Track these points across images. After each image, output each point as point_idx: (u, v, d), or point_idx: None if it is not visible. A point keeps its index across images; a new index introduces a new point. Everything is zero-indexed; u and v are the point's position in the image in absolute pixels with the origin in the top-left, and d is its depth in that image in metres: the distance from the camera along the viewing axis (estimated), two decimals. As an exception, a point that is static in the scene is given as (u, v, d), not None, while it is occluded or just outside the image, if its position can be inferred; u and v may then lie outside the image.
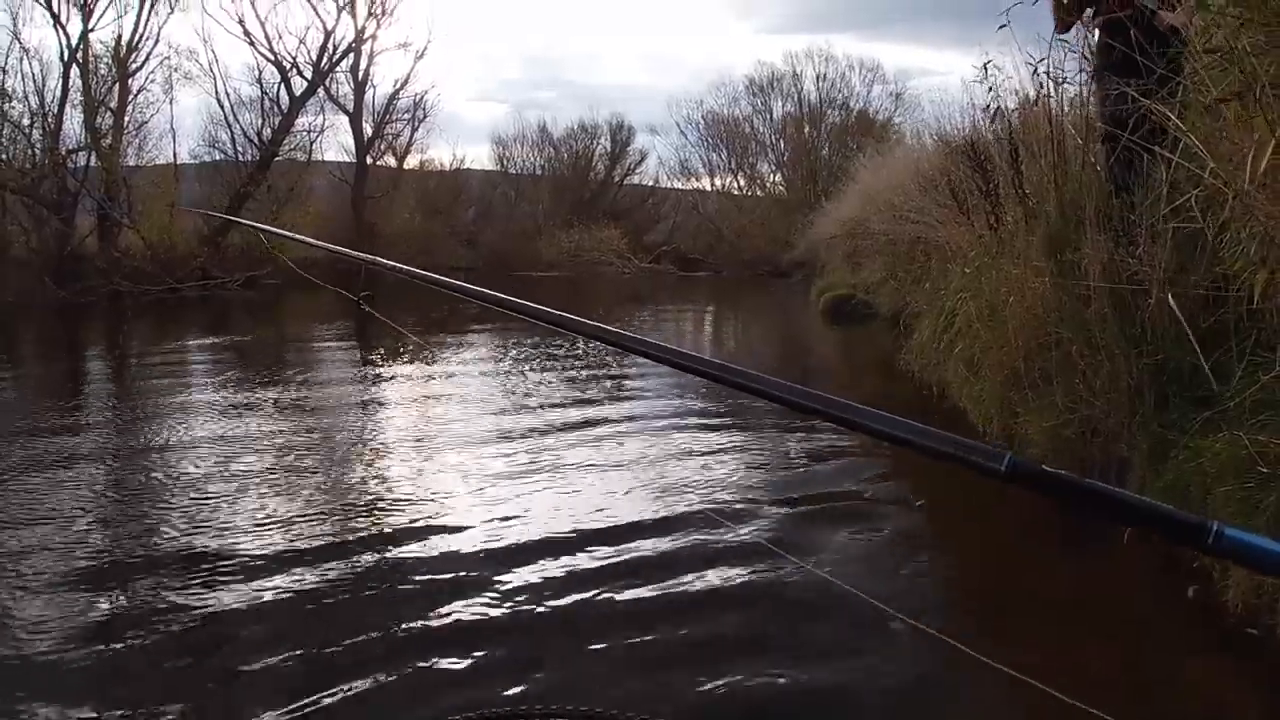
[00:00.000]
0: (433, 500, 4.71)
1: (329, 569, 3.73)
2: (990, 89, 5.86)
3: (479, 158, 41.96)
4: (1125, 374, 4.06)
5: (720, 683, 2.79)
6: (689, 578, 3.66)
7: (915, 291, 9.32)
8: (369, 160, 29.28)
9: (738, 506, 4.66)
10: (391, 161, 30.82)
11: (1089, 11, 4.76)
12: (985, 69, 5.77)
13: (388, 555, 3.93)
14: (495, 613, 3.35)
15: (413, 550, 3.99)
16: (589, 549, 3.97)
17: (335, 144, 30.02)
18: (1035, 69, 5.08)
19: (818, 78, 33.42)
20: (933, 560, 4.17)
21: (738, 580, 3.64)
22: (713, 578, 3.66)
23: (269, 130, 24.45)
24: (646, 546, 4.02)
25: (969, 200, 6.88)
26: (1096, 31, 4.70)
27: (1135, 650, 3.07)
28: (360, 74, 28.04)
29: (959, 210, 7.19)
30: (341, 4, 25.90)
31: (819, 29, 76.73)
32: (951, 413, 6.08)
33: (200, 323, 15.32)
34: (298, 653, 2.99)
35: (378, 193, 28.75)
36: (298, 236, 1.99)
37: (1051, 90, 5.13)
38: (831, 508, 4.66)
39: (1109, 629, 3.20)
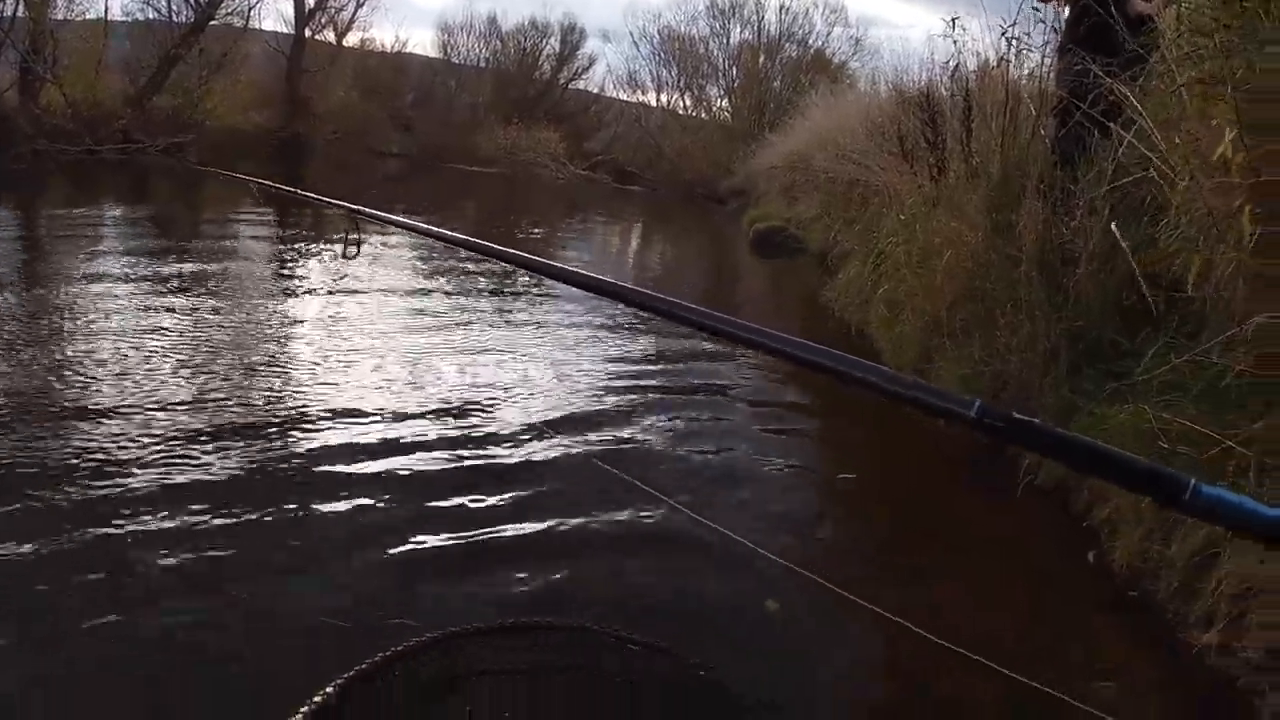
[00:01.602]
0: (334, 386, 4.76)
1: (229, 447, 3.78)
2: (955, 43, 5.98)
3: (422, 43, 40.77)
4: (1043, 336, 4.25)
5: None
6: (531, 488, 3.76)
7: (847, 231, 9.49)
8: (308, 33, 28.25)
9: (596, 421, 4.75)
10: (331, 37, 29.80)
11: None
12: (953, 23, 5.87)
13: (287, 437, 4.00)
14: (379, 504, 3.44)
15: (306, 435, 4.05)
16: (459, 449, 4.07)
17: (274, 12, 28.92)
18: (1004, 32, 5.19)
19: (780, 9, 33.09)
20: (824, 505, 4.25)
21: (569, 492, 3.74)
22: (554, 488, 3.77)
23: (207, -8, 23.28)
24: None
25: (915, 150, 7.01)
26: (1067, 7, 4.81)
27: (1026, 602, 3.25)
28: (308, -60, 26.95)
29: (904, 158, 7.32)
30: None
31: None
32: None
33: (118, 188, 14.62)
34: (195, 529, 3.06)
35: (314, 68, 27.80)
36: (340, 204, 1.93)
37: (1013, 56, 5.26)
38: (712, 451, 4.59)
39: (1000, 578, 3.40)
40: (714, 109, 33.99)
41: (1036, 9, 5.03)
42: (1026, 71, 5.41)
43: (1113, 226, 3.52)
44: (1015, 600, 3.24)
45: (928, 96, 6.50)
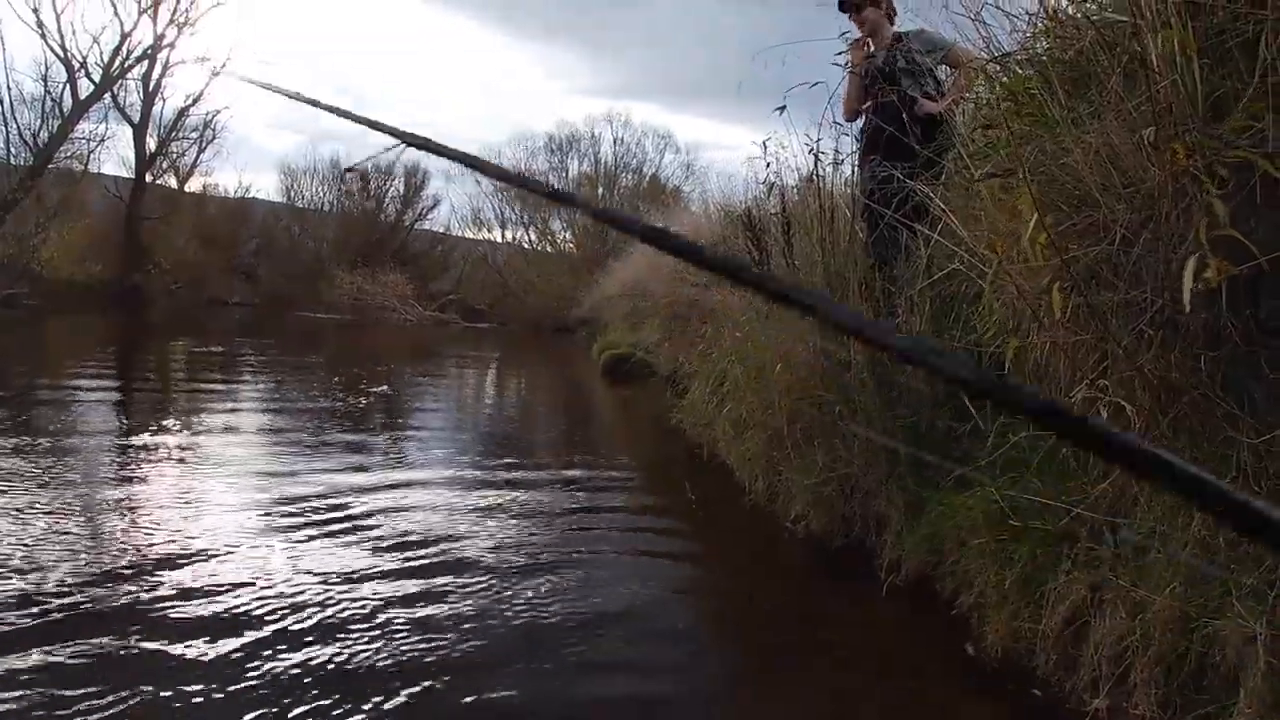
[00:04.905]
0: (192, 565, 4.25)
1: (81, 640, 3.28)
2: (769, 165, 6.13)
3: (266, 187, 40.30)
4: (882, 437, 4.25)
5: None
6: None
7: (690, 353, 9.53)
8: (149, 178, 27.58)
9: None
10: (173, 182, 29.20)
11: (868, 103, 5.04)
12: (765, 146, 6.03)
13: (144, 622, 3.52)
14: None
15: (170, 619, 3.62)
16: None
17: (115, 157, 28.23)
18: (811, 148, 5.33)
19: (614, 141, 34.39)
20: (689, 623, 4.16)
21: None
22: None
23: (46, 134, 22.52)
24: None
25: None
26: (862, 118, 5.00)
27: (899, 697, 3.14)
28: (151, 84, 26.49)
29: (734, 277, 7.38)
30: (144, 5, 24.47)
31: (622, 96, 79.83)
32: (719, 469, 6.22)
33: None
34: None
35: (154, 214, 27.05)
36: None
37: (823, 169, 5.41)
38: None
39: (871, 676, 3.28)
40: (558, 241, 34.59)
41: (839, 124, 5.22)
42: (843, 180, 5.56)
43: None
44: (889, 696, 3.14)
45: (749, 214, 6.61)
